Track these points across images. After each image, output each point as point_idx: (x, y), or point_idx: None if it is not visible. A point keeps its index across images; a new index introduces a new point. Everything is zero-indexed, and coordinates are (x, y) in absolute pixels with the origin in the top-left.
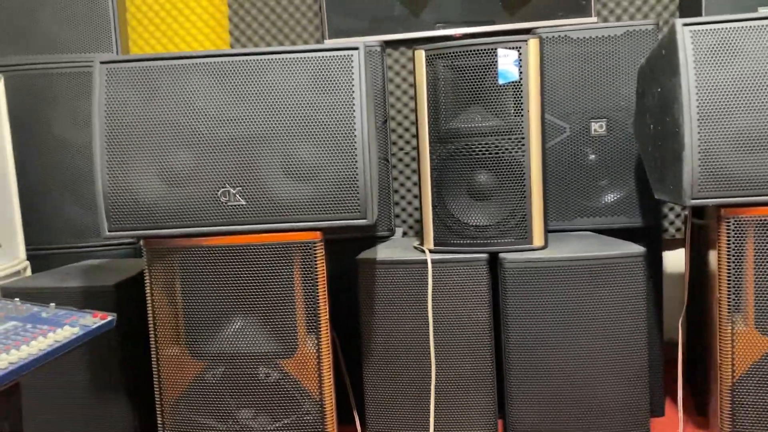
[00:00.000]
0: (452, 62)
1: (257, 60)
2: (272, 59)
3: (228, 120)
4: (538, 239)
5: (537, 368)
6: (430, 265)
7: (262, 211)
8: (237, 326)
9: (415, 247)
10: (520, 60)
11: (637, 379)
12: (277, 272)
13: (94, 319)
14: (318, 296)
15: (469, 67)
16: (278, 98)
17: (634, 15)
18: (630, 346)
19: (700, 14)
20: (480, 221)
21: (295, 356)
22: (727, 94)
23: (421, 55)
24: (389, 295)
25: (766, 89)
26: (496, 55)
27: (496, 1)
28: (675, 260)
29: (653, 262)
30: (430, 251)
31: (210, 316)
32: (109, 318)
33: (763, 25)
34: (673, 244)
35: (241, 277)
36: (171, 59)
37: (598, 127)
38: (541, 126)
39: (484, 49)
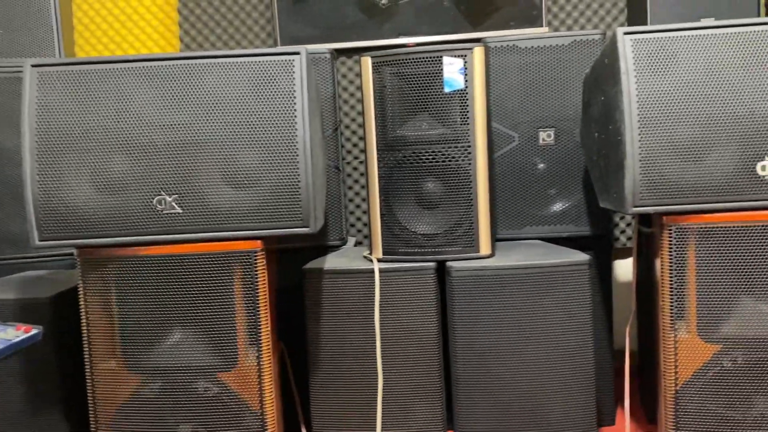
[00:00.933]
0: (399, 70)
1: (195, 64)
2: (211, 63)
3: (165, 125)
4: (485, 247)
5: (484, 376)
6: (377, 274)
7: (199, 220)
8: (175, 339)
9: (365, 257)
10: (466, 68)
11: (584, 388)
12: (216, 283)
13: (17, 332)
14: (259, 307)
15: (416, 74)
16: (217, 103)
17: (585, 26)
18: (576, 353)
19: (646, 24)
20: (428, 229)
21: (235, 369)
22: (668, 103)
23: (367, 62)
24: (336, 305)
25: (705, 98)
26: (441, 63)
27: (457, 13)
28: (627, 268)
29: (603, 271)
30: (379, 260)
31: (147, 328)
32: (34, 331)
33: (702, 35)
34: (625, 253)
35: (178, 287)
36: (106, 63)
37: (546, 137)
38: (488, 134)
39: (430, 57)
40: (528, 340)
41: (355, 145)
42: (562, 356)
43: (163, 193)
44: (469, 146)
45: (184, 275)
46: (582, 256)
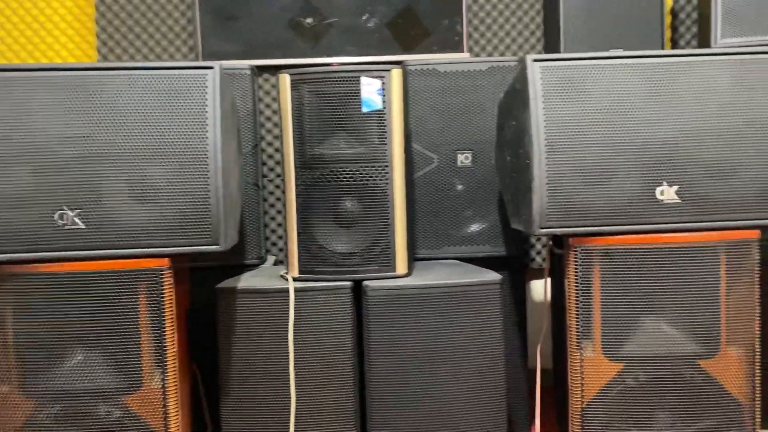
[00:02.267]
0: (317, 88)
1: (104, 76)
2: (120, 75)
3: (68, 137)
4: (401, 267)
5: (399, 395)
6: (292, 293)
7: (103, 236)
8: (76, 361)
9: (281, 275)
10: (384, 89)
11: (496, 405)
12: (121, 302)
13: None
14: (165, 328)
15: (334, 93)
16: (125, 116)
17: (504, 52)
18: (488, 371)
19: (560, 53)
20: (345, 248)
21: (139, 392)
22: (574, 128)
23: (285, 79)
24: (250, 325)
25: (609, 124)
26: (359, 83)
27: (388, 36)
28: (542, 289)
29: (517, 290)
30: (294, 279)
31: (45, 349)
32: None
33: (608, 64)
34: (540, 274)
35: (80, 306)
36: (6, 71)
37: (464, 159)
38: (406, 155)
39: (348, 77)
40: (442, 357)
41: (278, 163)
42: (475, 373)
43: (65, 207)
44: (387, 166)
45: (85, 293)
46: (494, 276)
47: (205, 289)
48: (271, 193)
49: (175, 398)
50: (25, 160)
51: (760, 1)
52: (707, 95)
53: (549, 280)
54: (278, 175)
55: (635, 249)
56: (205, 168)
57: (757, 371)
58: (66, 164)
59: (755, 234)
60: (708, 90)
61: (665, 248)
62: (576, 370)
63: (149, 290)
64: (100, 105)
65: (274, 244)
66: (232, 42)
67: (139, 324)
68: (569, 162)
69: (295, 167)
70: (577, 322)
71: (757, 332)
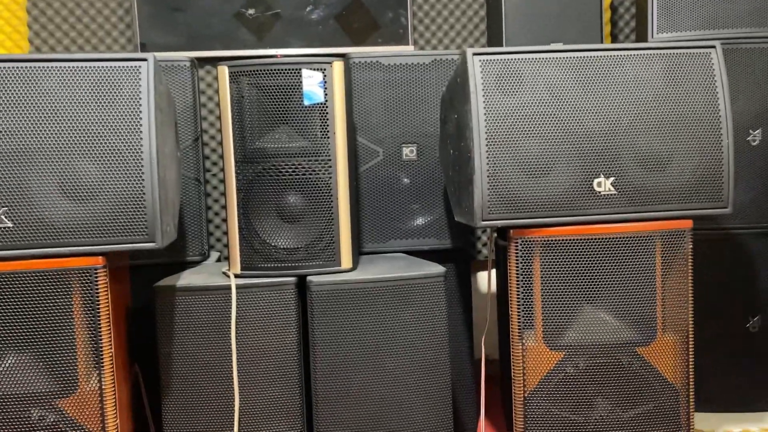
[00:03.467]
0: (257, 80)
1: (31, 67)
2: (49, 67)
3: None
4: (346, 261)
5: (345, 390)
6: (234, 290)
7: (33, 234)
8: (7, 364)
9: (223, 272)
10: (325, 82)
11: (441, 397)
12: (53, 302)
13: None
14: (101, 328)
15: (275, 86)
16: (55, 110)
17: (449, 46)
18: (433, 363)
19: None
20: (288, 243)
21: (75, 395)
22: (513, 121)
23: (224, 71)
24: (190, 324)
25: (548, 117)
26: (300, 76)
27: (336, 30)
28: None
29: (463, 282)
30: (236, 276)
31: None
32: None
33: (546, 58)
34: (487, 265)
35: (9, 308)
36: None
37: (408, 152)
38: (349, 148)
39: (289, 69)
40: (387, 351)
41: (221, 157)
42: (420, 366)
43: None
44: (330, 160)
45: (16, 294)
46: (438, 268)
47: (147, 287)
48: (215, 188)
49: (113, 400)
50: None
51: None
52: (642, 88)
53: (494, 271)
54: (221, 170)
55: (574, 240)
56: (140, 163)
57: (691, 357)
58: None
59: (688, 224)
60: (642, 83)
61: (603, 238)
62: (518, 359)
63: (83, 289)
64: (29, 98)
65: (219, 239)
66: (173, 33)
67: (73, 324)
68: (509, 155)
69: (236, 161)
70: (518, 312)
71: (691, 319)
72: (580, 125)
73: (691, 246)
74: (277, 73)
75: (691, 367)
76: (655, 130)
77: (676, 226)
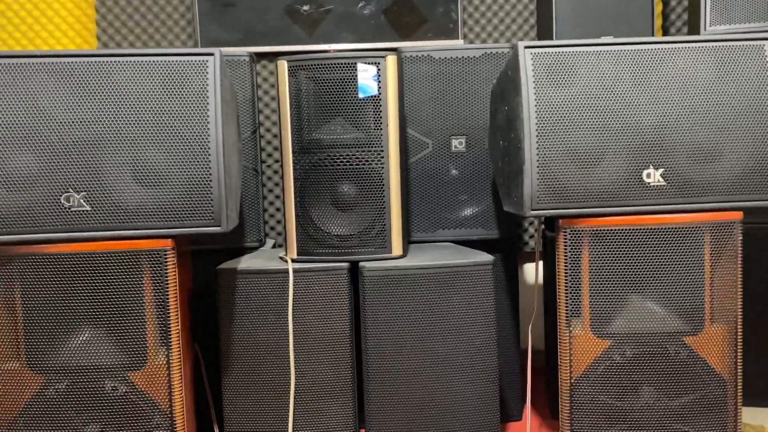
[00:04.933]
0: (314, 74)
1: (105, 62)
2: (122, 62)
3: (74, 122)
4: (397, 248)
5: (395, 375)
6: (291, 274)
7: (108, 217)
8: (83, 338)
9: (280, 257)
10: (379, 75)
11: (488, 383)
12: (125, 282)
13: None
14: (169, 307)
15: (331, 79)
16: (128, 102)
17: (498, 39)
18: (481, 350)
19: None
20: (342, 231)
21: (144, 369)
22: (564, 113)
23: (283, 65)
24: (250, 306)
25: (598, 109)
26: (355, 70)
27: (384, 23)
28: (534, 272)
29: (510, 272)
30: (293, 260)
31: (52, 327)
32: None
33: (597, 51)
34: (533, 257)
35: (86, 286)
36: (11, 57)
37: (458, 144)
38: (401, 140)
39: (344, 63)
40: (436, 336)
41: (276, 149)
42: (468, 352)
43: (71, 190)
44: (382, 150)
45: (92, 274)
46: (486, 257)
47: (206, 271)
48: (270, 178)
49: (179, 374)
50: (31, 145)
51: None
52: (693, 81)
53: (541, 262)
54: (276, 161)
55: (622, 230)
56: (207, 151)
57: (739, 349)
58: (71, 148)
59: (738, 215)
60: (694, 76)
61: (651, 229)
62: (565, 347)
63: (153, 270)
64: (103, 91)
65: (272, 228)
66: (229, 29)
67: (144, 303)
68: (559, 146)
69: (293, 152)
70: (566, 300)
71: (740, 310)
72: (630, 117)
73: (740, 237)
74: (333, 67)
75: (739, 359)
76: (706, 122)
77: (726, 217)
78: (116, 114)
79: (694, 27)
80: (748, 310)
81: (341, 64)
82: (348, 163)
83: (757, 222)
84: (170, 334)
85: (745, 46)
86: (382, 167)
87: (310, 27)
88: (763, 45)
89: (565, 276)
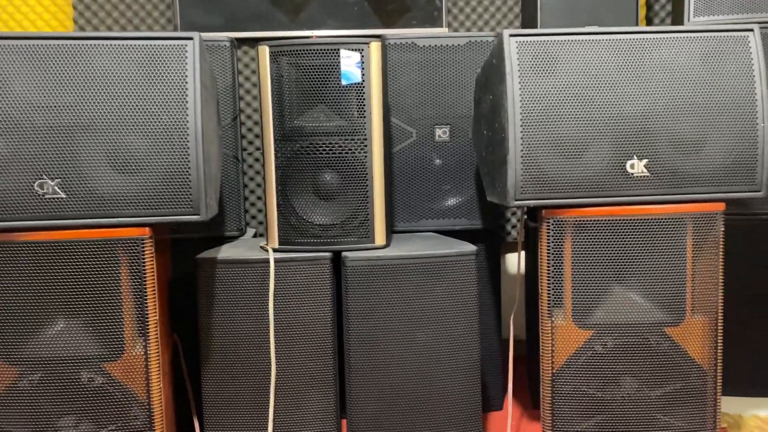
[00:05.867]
0: (296, 60)
1: (81, 45)
2: (98, 45)
3: (48, 107)
4: (380, 238)
5: (377, 365)
6: (272, 263)
7: (84, 205)
8: (57, 328)
9: (261, 247)
10: (363, 62)
11: (469, 373)
12: (102, 271)
13: None
14: (146, 296)
15: (314, 66)
16: (104, 86)
17: (482, 28)
18: (462, 341)
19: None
20: (324, 220)
21: (121, 359)
22: (548, 102)
23: (265, 51)
24: (230, 296)
25: (582, 99)
26: (338, 56)
27: (367, 10)
28: (517, 262)
29: (492, 262)
30: (274, 250)
31: (26, 317)
32: None
33: (582, 40)
34: (516, 247)
35: (61, 275)
36: None
37: (441, 133)
38: (385, 128)
39: (327, 49)
40: (418, 326)
41: (257, 136)
42: (450, 342)
43: (45, 176)
44: (366, 139)
45: (67, 262)
46: (469, 247)
47: (187, 260)
48: (251, 166)
49: (157, 365)
50: (4, 129)
51: None
52: (677, 71)
53: (523, 252)
54: (258, 148)
55: (606, 220)
56: (185, 138)
57: (720, 339)
58: (45, 134)
59: (720, 206)
60: (678, 66)
61: (634, 220)
62: (547, 337)
63: (130, 259)
64: (80, 75)
65: (253, 217)
66: (211, 14)
67: (120, 292)
68: (543, 135)
69: (275, 140)
70: (548, 290)
71: (721, 301)
72: (614, 107)
73: (722, 229)
74: (316, 53)
75: (719, 349)
76: (689, 113)
77: (708, 208)
78: (92, 99)
79: (677, 17)
80: (728, 300)
81: (324, 50)
82: (331, 152)
83: (739, 213)
84: (148, 325)
85: (730, 36)
86: (366, 156)
87: (293, 13)
88: (747, 36)
89: (548, 266)
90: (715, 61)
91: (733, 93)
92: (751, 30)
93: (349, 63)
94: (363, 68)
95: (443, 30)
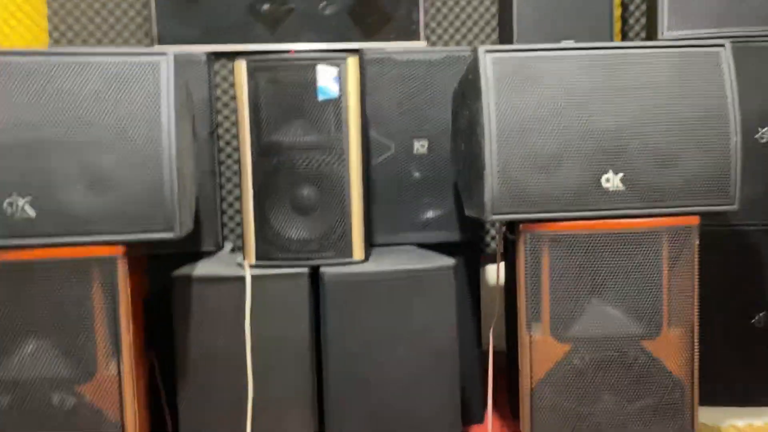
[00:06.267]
0: (274, 75)
1: (54, 62)
2: (69, 62)
3: (18, 124)
4: (358, 253)
5: (356, 381)
6: (249, 280)
7: (55, 224)
8: (29, 350)
9: (238, 263)
10: (340, 77)
11: (449, 388)
12: (74, 290)
13: None
14: (120, 316)
15: (291, 81)
16: (77, 103)
17: (460, 42)
18: (442, 354)
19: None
20: (302, 235)
21: (94, 380)
22: (524, 117)
23: (241, 66)
24: (206, 313)
25: (558, 114)
26: (315, 71)
27: (350, 24)
28: (496, 274)
29: (472, 275)
30: (252, 266)
31: None
32: None
33: (557, 56)
34: (495, 259)
35: (32, 295)
36: None
37: (420, 147)
38: (363, 142)
39: (305, 65)
40: (397, 341)
41: (235, 149)
42: (430, 356)
43: (14, 194)
44: (343, 154)
45: (38, 282)
46: (448, 261)
47: (163, 276)
48: (229, 179)
49: (131, 386)
50: None
51: None
52: (651, 86)
53: (502, 264)
54: (236, 162)
55: (582, 235)
56: (159, 155)
57: (696, 351)
58: (16, 151)
59: (695, 220)
60: (652, 81)
61: (611, 234)
62: (526, 351)
63: (103, 278)
64: (51, 91)
65: (232, 230)
66: (189, 27)
67: (93, 312)
68: (519, 150)
69: (252, 154)
70: (526, 304)
71: (696, 313)
72: (589, 122)
73: (697, 242)
74: (293, 68)
75: (696, 361)
76: (664, 127)
77: (683, 222)
78: (63, 116)
79: (652, 32)
80: (704, 311)
81: (301, 65)
82: (308, 166)
83: (714, 225)
84: (121, 345)
85: (702, 52)
86: (344, 170)
87: (272, 26)
88: (719, 51)
89: (525, 280)
90: (688, 75)
91: (706, 107)
92: (723, 45)
93: (326, 78)
94: (340, 83)
95: (421, 44)
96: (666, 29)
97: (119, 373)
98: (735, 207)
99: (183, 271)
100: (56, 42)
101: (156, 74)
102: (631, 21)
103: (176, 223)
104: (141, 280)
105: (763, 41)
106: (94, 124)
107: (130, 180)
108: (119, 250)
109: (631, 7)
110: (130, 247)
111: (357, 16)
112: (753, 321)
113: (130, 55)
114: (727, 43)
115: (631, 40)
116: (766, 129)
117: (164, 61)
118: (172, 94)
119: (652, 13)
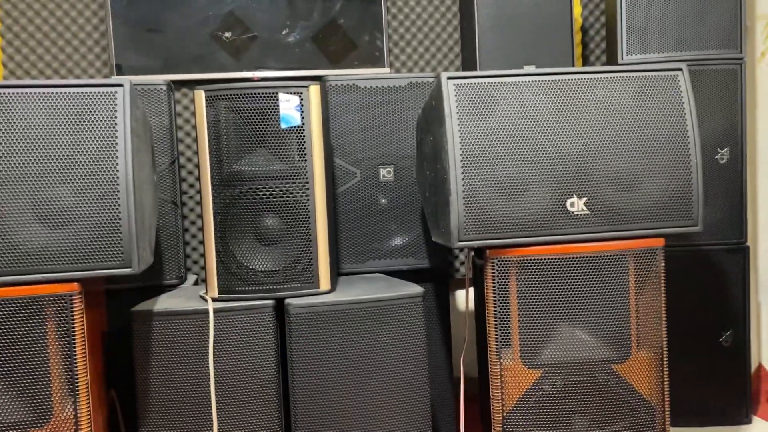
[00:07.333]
0: (234, 104)
1: (7, 94)
2: (23, 93)
3: None
4: (324, 283)
5: (324, 414)
6: (211, 314)
7: (7, 261)
8: None
9: (201, 296)
10: (302, 105)
11: (420, 416)
12: (27, 329)
13: None
14: (76, 355)
15: (252, 110)
16: (29, 136)
17: (424, 68)
18: (412, 384)
19: (476, 70)
20: (266, 266)
21: (49, 424)
22: (488, 143)
23: (201, 95)
24: (168, 350)
25: (521, 139)
26: (277, 99)
27: (314, 50)
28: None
29: (441, 301)
30: (214, 299)
31: None
32: None
33: (518, 82)
34: (464, 284)
35: None
36: None
37: (386, 173)
38: (327, 170)
39: (266, 93)
40: (366, 372)
41: (197, 179)
42: (399, 386)
43: None
44: (307, 182)
45: None
46: (415, 289)
47: (124, 311)
48: (192, 210)
49: (88, 428)
50: None
51: (663, 19)
52: (612, 110)
53: (471, 290)
54: (198, 192)
55: (549, 259)
56: (115, 188)
57: (666, 373)
58: None
59: (660, 242)
60: (613, 105)
61: (577, 257)
62: (496, 378)
63: (58, 316)
64: (4, 123)
65: (196, 262)
66: (148, 56)
67: (48, 352)
68: (484, 177)
69: (213, 184)
70: (496, 331)
71: (665, 335)
72: (553, 147)
73: (663, 263)
74: (253, 96)
75: (666, 383)
76: (625, 150)
77: (649, 244)
78: (16, 148)
79: (612, 56)
80: (672, 332)
81: (262, 93)
82: (271, 196)
83: (679, 246)
84: (78, 385)
85: (661, 76)
86: (308, 199)
87: (235, 54)
88: (677, 75)
89: (494, 306)
90: (648, 99)
91: (666, 130)
92: (680, 69)
93: (288, 106)
94: (303, 111)
95: (385, 70)
96: (626, 53)
97: (76, 414)
98: (699, 228)
99: (143, 306)
100: (11, 73)
101: (112, 105)
102: (592, 45)
103: (134, 257)
104: (100, 315)
105: (717, 64)
106: (47, 157)
107: (85, 214)
108: (74, 287)
109: (591, 32)
110: (86, 283)
111: (321, 43)
112: (720, 340)
113: (84, 86)
114: (684, 66)
115: (592, 64)
116: (725, 149)
117: (120, 91)
118: (128, 125)
119: (611, 38)
